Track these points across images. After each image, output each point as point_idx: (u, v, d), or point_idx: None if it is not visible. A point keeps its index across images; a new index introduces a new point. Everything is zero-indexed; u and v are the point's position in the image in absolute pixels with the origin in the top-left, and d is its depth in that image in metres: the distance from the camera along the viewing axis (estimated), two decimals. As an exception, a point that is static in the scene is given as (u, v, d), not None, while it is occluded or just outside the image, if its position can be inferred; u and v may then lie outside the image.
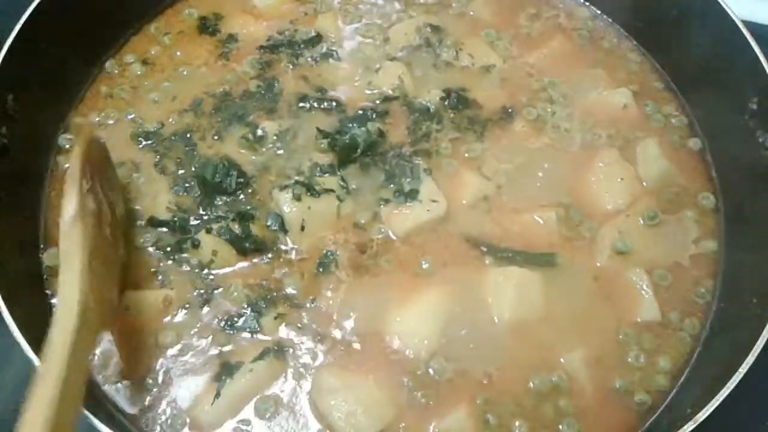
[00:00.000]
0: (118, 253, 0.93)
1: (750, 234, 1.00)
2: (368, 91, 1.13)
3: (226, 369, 0.89)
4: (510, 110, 1.11)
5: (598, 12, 1.25)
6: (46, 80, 1.04)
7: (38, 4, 1.00)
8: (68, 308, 0.76)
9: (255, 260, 0.97)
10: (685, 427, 0.79)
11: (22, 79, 0.98)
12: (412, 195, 1.01)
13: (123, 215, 0.98)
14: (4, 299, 0.82)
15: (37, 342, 0.80)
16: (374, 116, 1.08)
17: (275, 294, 0.95)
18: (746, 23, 1.02)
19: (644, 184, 1.05)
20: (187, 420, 0.87)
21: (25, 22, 0.99)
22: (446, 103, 1.11)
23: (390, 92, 1.12)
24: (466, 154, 1.07)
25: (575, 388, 0.91)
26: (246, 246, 0.96)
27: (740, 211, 1.03)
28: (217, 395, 0.87)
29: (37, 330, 0.82)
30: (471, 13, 1.24)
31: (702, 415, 0.79)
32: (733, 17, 1.03)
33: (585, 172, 1.06)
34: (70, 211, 0.81)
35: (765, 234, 0.97)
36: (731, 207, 1.05)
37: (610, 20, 1.24)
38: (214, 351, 0.91)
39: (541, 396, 0.90)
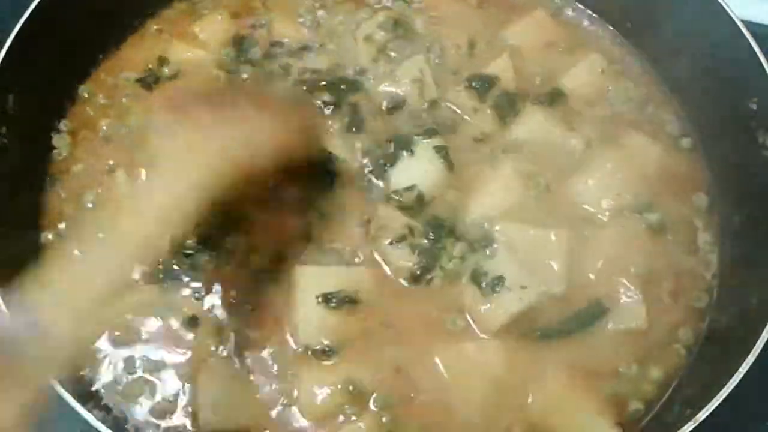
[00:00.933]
0: None
1: (749, 234, 1.00)
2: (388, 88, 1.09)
3: None
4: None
5: (588, 11, 1.24)
6: (46, 80, 1.04)
7: (38, 4, 1.00)
8: None
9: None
10: (685, 427, 0.79)
11: (22, 79, 0.98)
12: None
13: None
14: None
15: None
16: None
17: None
18: (746, 23, 1.02)
19: (639, 183, 1.04)
20: None
21: (25, 22, 0.98)
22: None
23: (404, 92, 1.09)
24: None
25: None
26: None
27: (739, 211, 1.03)
28: None
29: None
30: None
31: (702, 415, 0.79)
32: (733, 17, 1.03)
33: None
34: None
35: (764, 234, 0.97)
36: (730, 208, 1.04)
37: (602, 19, 1.23)
38: None
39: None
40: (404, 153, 1.01)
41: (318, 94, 1.08)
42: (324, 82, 1.09)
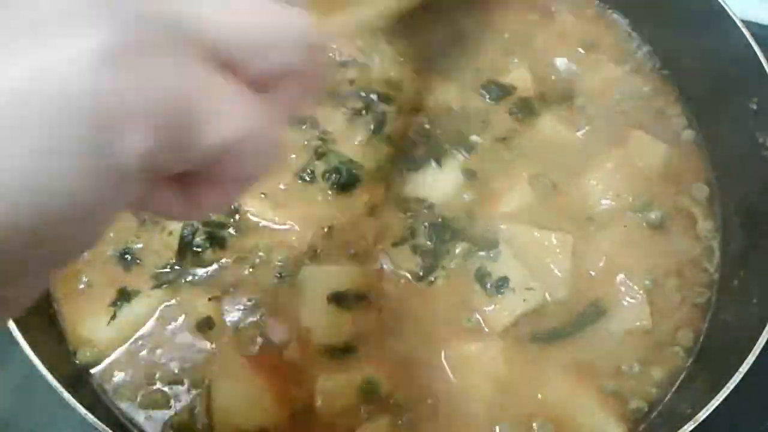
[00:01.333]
0: None
1: (749, 234, 1.00)
2: None
3: (123, 295, 0.92)
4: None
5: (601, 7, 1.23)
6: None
7: (38, 4, 1.00)
8: None
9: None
10: (685, 427, 0.79)
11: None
12: None
13: None
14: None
15: (38, 342, 0.80)
16: None
17: None
18: (746, 23, 1.02)
19: (641, 182, 1.04)
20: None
21: (26, 22, 0.98)
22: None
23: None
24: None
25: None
26: None
27: (739, 212, 1.03)
28: (113, 317, 0.90)
29: (37, 330, 0.83)
30: None
31: (702, 415, 0.79)
32: (733, 17, 1.03)
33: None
34: None
35: (764, 233, 0.97)
36: (730, 208, 1.04)
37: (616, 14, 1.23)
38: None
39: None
40: (432, 162, 1.02)
41: (346, 102, 1.07)
42: (354, 90, 1.08)
